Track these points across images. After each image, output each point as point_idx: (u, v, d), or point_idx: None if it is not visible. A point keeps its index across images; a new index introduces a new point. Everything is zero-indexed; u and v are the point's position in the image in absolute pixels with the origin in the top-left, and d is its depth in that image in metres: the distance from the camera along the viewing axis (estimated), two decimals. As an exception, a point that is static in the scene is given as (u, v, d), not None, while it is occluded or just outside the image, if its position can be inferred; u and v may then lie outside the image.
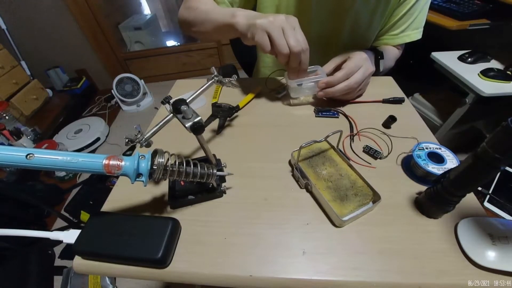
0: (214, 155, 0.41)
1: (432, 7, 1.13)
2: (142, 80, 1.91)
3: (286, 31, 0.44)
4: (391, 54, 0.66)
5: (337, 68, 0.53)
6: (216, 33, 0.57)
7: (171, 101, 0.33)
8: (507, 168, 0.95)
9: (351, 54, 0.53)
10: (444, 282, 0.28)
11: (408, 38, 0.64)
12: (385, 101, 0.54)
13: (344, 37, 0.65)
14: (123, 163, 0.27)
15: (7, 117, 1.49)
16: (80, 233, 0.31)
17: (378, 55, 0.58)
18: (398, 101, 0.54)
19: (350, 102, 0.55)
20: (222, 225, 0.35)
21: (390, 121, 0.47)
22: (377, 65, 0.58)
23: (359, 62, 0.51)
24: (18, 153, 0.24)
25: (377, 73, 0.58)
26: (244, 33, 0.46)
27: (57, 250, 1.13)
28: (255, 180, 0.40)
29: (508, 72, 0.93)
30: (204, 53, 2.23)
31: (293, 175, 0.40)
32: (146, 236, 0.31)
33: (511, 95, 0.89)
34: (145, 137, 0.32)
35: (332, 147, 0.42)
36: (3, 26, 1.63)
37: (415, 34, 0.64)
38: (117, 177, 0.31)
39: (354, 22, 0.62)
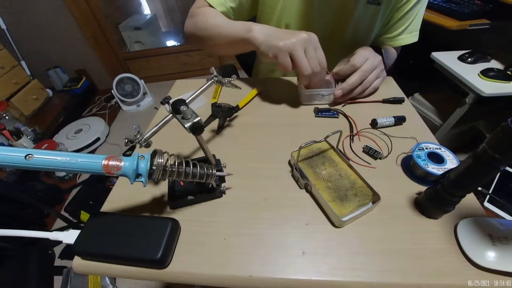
0: (213, 155, 0.41)
1: (432, 7, 1.13)
2: (142, 80, 1.91)
3: (308, 53, 0.45)
4: (390, 53, 0.66)
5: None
6: (230, 48, 0.57)
7: (171, 101, 0.33)
8: (507, 168, 0.95)
9: (355, 51, 0.54)
10: (444, 282, 0.28)
11: (403, 41, 0.65)
12: (385, 101, 0.54)
13: (345, 39, 0.65)
14: (122, 163, 0.27)
15: (7, 117, 1.49)
16: (80, 233, 0.31)
17: (378, 49, 0.58)
18: (398, 101, 0.54)
19: (350, 102, 0.55)
20: (221, 225, 0.35)
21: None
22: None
23: (365, 54, 0.52)
24: (17, 154, 0.24)
25: None
26: (264, 52, 0.47)
27: (57, 250, 1.13)
28: (255, 180, 0.40)
29: (508, 72, 0.93)
30: (204, 53, 2.23)
31: (292, 176, 0.40)
32: (145, 237, 0.31)
33: (511, 95, 0.88)
34: (145, 137, 0.32)
35: (332, 147, 0.42)
36: (3, 26, 1.63)
37: (410, 37, 0.64)
38: (116, 177, 0.31)
39: (355, 25, 0.62)
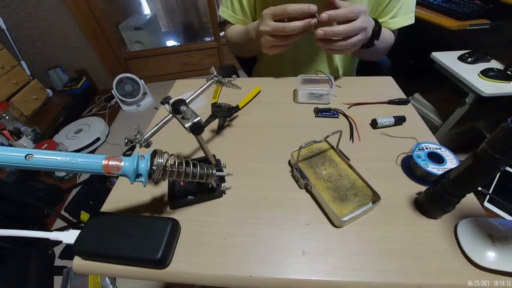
0: (213, 155, 0.41)
1: (432, 7, 1.13)
2: (142, 80, 1.90)
3: (264, 25, 0.50)
4: (386, 35, 0.62)
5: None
6: (253, 47, 0.63)
7: (171, 101, 0.33)
8: (507, 168, 0.95)
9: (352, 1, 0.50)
10: (444, 282, 0.28)
11: (398, 23, 0.61)
12: (391, 102, 0.54)
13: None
14: (122, 163, 0.27)
15: (7, 117, 1.49)
16: (80, 233, 0.31)
17: (377, 25, 0.53)
18: (404, 102, 0.53)
19: (355, 104, 0.54)
20: (221, 225, 0.35)
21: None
22: (373, 36, 0.53)
23: (359, 10, 0.46)
24: (17, 154, 0.24)
25: (370, 44, 0.54)
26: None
27: (57, 250, 1.13)
28: (255, 180, 0.40)
29: (508, 72, 0.93)
30: (204, 53, 2.23)
31: (292, 175, 0.40)
32: (145, 237, 0.31)
33: (511, 95, 0.88)
34: (145, 137, 0.32)
35: (332, 147, 0.42)
36: (3, 26, 1.63)
37: (405, 19, 0.60)
38: (116, 177, 0.31)
39: None
